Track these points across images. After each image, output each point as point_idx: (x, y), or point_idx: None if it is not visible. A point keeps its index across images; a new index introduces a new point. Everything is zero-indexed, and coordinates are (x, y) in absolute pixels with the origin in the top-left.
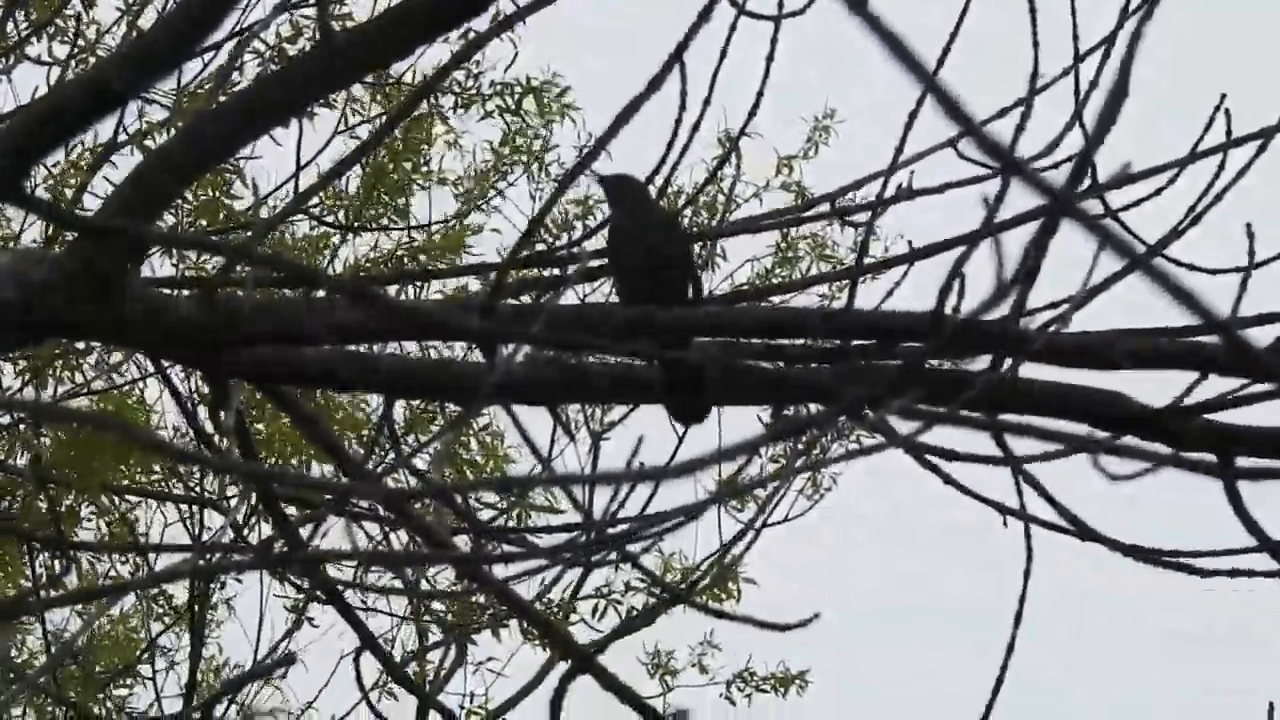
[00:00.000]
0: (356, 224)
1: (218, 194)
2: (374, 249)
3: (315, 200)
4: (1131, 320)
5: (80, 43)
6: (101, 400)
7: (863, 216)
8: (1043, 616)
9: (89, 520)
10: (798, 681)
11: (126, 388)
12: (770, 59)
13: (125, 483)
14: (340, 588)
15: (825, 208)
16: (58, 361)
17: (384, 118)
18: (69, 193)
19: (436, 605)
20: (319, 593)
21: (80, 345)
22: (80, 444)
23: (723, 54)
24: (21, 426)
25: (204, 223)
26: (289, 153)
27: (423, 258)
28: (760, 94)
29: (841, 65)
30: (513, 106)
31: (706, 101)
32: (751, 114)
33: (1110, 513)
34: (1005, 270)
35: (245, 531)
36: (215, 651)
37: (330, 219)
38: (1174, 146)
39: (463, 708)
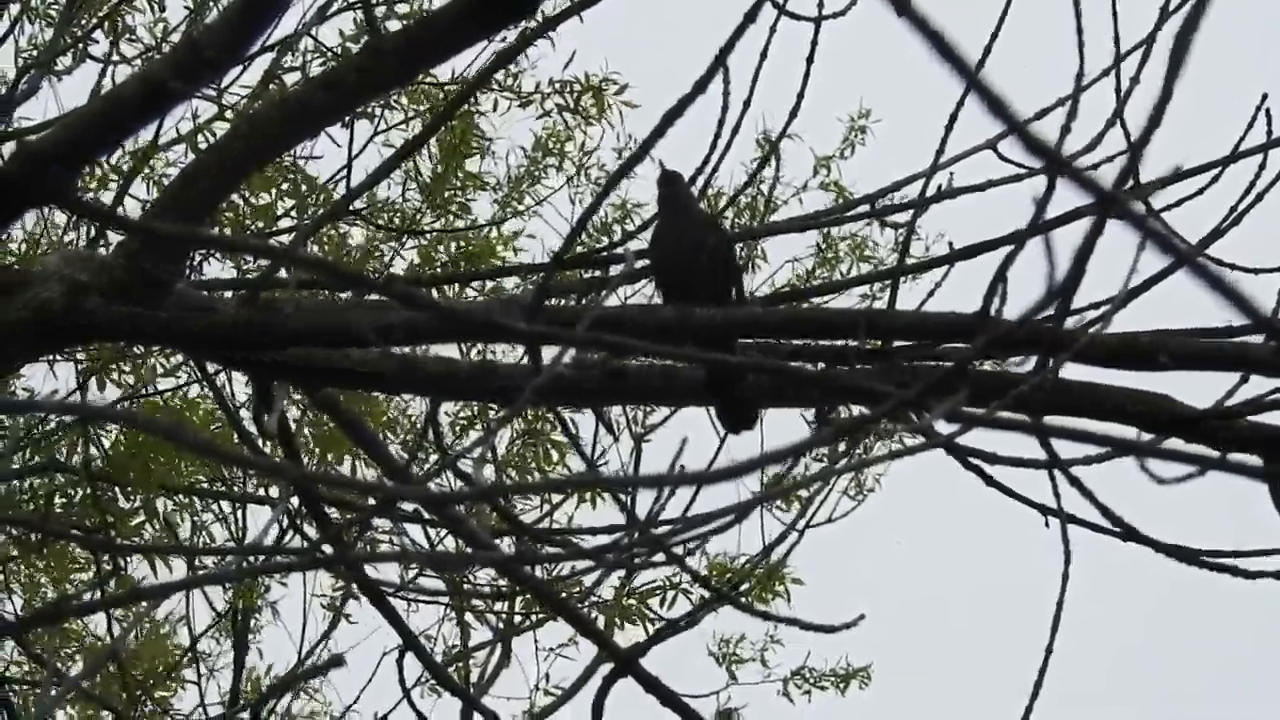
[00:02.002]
0: (409, 229)
1: (274, 198)
2: (433, 251)
3: (365, 204)
4: (1161, 321)
5: (146, 41)
6: (162, 403)
7: (903, 217)
8: (1082, 614)
9: (154, 522)
10: (860, 676)
11: (187, 390)
12: (810, 60)
13: (186, 482)
14: (383, 589)
15: (865, 208)
16: (116, 363)
17: (433, 114)
18: (112, 193)
19: (479, 604)
20: (362, 594)
21: (139, 348)
22: (138, 446)
23: (763, 55)
24: (82, 428)
25: (260, 225)
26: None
27: (464, 263)
28: (800, 96)
29: (877, 64)
30: (571, 105)
31: (746, 104)
32: (792, 116)
33: (1152, 512)
34: (1054, 271)
35: (290, 533)
36: (257, 657)
37: (386, 223)
38: (1202, 142)
39: (538, 687)
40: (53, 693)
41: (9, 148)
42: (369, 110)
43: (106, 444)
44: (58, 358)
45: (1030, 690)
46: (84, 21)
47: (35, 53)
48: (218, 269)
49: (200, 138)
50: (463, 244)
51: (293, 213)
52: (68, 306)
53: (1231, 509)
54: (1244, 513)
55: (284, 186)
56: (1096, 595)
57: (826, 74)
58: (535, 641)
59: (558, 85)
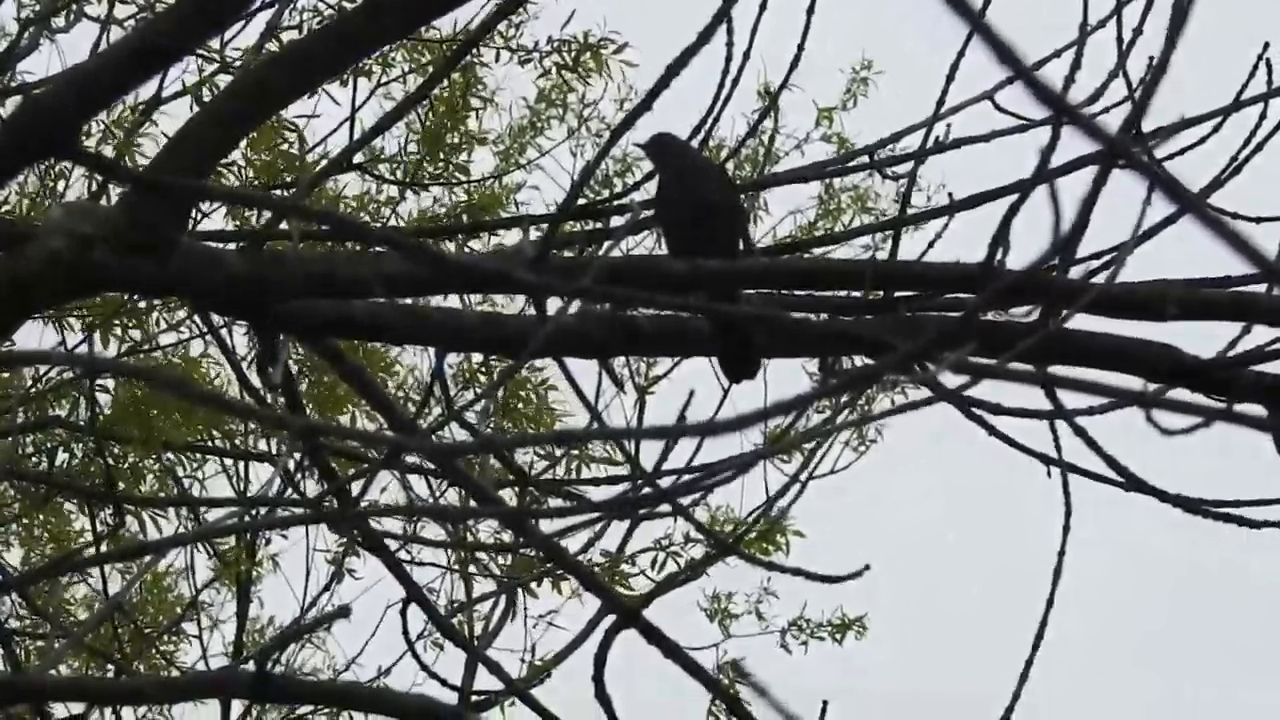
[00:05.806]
0: (411, 181)
1: (277, 154)
2: (434, 204)
3: (366, 157)
4: (1160, 271)
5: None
6: (164, 358)
7: (905, 167)
8: (1109, 593)
9: (161, 481)
10: (855, 626)
11: (190, 343)
12: (810, 11)
13: (190, 439)
14: (387, 541)
15: (864, 159)
16: (121, 317)
17: (432, 69)
18: (114, 147)
19: (483, 557)
20: (366, 547)
21: (144, 302)
22: (140, 401)
23: (762, 6)
24: (82, 383)
25: (261, 181)
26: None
27: (466, 216)
28: (800, 48)
29: (886, 17)
30: (570, 63)
31: (746, 55)
32: (792, 68)
33: (1157, 461)
34: (1059, 220)
35: (294, 486)
36: (259, 608)
37: (387, 176)
38: (1203, 92)
39: (523, 661)
40: (56, 646)
41: (13, 102)
42: (368, 68)
43: (105, 400)
44: (62, 313)
45: (1031, 643)
46: None
47: (35, 8)
48: (224, 224)
49: (204, 92)
50: (466, 196)
51: (292, 171)
52: (76, 258)
53: (1251, 468)
54: (1264, 475)
55: (284, 147)
56: (1122, 574)
57: (839, 28)
58: (513, 615)
59: (556, 44)
